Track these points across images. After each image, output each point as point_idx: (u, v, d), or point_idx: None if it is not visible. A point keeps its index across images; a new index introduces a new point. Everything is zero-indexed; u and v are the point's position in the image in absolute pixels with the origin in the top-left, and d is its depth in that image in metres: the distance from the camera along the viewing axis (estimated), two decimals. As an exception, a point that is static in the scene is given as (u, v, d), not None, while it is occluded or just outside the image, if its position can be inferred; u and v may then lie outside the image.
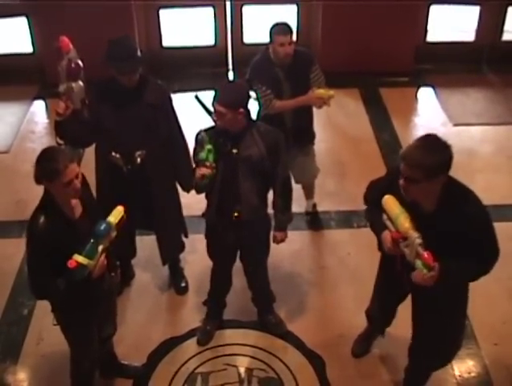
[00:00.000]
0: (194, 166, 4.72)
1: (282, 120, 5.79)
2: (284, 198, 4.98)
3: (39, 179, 3.96)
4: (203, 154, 4.49)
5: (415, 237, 3.69)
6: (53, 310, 4.40)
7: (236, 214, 4.79)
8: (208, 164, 4.48)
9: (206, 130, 4.65)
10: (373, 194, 4.15)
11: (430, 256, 3.66)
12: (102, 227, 4.01)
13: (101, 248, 4.02)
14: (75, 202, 4.10)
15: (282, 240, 5.15)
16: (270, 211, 5.04)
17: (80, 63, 4.87)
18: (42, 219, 3.98)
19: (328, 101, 5.78)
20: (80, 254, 3.91)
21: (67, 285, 3.99)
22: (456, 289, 4.16)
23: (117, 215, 4.12)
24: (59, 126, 4.88)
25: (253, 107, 5.76)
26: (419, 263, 3.72)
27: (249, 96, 4.62)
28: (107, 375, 5.13)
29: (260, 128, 4.72)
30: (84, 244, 3.95)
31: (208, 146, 4.48)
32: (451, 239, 3.74)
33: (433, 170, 3.67)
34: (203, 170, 4.48)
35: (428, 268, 3.68)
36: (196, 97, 5.04)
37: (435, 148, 3.69)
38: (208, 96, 4.71)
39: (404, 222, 3.72)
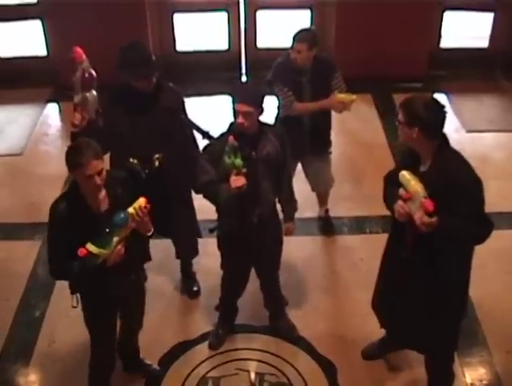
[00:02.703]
0: (201, 186, 4.75)
1: (300, 122, 5.81)
2: (289, 188, 5.09)
3: (67, 167, 4.06)
4: (239, 161, 4.43)
5: (421, 192, 3.93)
6: (72, 293, 4.41)
7: (256, 219, 4.81)
8: (244, 171, 4.45)
9: (234, 137, 4.55)
10: (391, 173, 4.40)
11: (429, 204, 3.87)
12: (120, 217, 4.01)
13: (116, 238, 4.03)
14: (102, 195, 4.15)
15: (293, 230, 5.24)
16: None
17: (93, 72, 4.88)
18: (62, 205, 4.10)
19: (349, 106, 5.81)
20: (93, 243, 3.94)
21: (80, 270, 4.04)
22: (453, 263, 4.26)
23: (137, 206, 4.10)
24: (75, 138, 4.88)
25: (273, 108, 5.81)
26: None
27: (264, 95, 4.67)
28: (127, 370, 5.19)
29: (270, 128, 4.79)
30: (99, 234, 3.99)
31: (240, 153, 4.44)
32: (441, 199, 3.91)
33: (411, 117, 4.05)
34: (242, 180, 4.45)
35: (428, 213, 3.88)
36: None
37: (428, 103, 4.09)
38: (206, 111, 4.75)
39: (415, 185, 3.97)
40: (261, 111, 4.61)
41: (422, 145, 4.13)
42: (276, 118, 5.94)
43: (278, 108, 5.91)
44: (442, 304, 4.38)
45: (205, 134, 4.91)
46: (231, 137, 4.49)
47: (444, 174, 4.03)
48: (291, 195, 5.12)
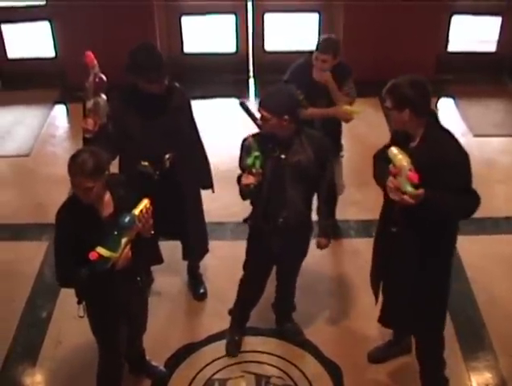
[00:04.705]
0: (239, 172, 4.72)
1: (312, 125, 5.81)
2: (329, 204, 5.02)
3: None
4: (249, 161, 4.43)
5: (407, 166, 3.96)
6: (79, 302, 4.41)
7: (281, 220, 4.78)
8: (254, 171, 4.42)
9: (254, 136, 4.63)
10: (381, 151, 4.43)
11: (414, 175, 3.92)
12: (126, 219, 4.00)
13: (124, 240, 4.03)
14: (107, 199, 4.17)
15: (326, 246, 5.16)
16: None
17: (103, 76, 4.88)
18: (68, 210, 4.11)
19: (352, 116, 5.89)
20: (102, 246, 3.94)
21: (89, 275, 4.03)
22: (441, 240, 4.33)
23: (142, 207, 4.09)
24: (88, 143, 4.87)
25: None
26: (407, 185, 3.97)
27: (296, 103, 4.63)
28: (133, 372, 5.19)
29: (307, 133, 4.71)
30: (107, 237, 3.98)
31: (256, 153, 4.43)
32: (429, 173, 3.97)
33: (399, 100, 4.12)
34: (250, 179, 4.43)
35: (413, 185, 3.94)
36: (242, 104, 5.01)
37: (412, 83, 4.13)
38: (252, 103, 4.72)
39: (402, 159, 4.01)
40: (286, 120, 4.49)
41: (414, 125, 4.18)
42: None
43: None
44: (428, 280, 4.41)
45: (256, 120, 4.88)
46: (250, 137, 4.51)
47: (433, 148, 4.10)
48: (327, 211, 5.03)
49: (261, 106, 4.54)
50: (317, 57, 5.66)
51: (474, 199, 4.19)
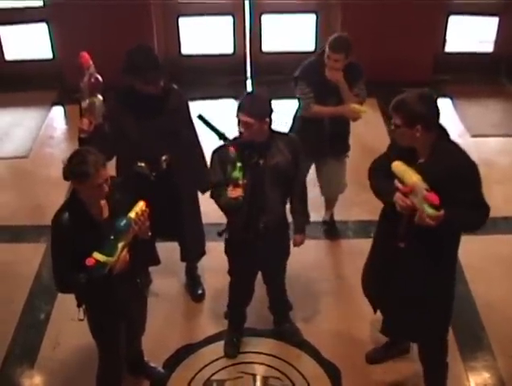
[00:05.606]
0: (211, 185, 4.74)
1: (321, 124, 5.83)
2: (302, 201, 5.04)
3: (67, 178, 4.00)
4: (236, 173, 4.41)
5: (422, 185, 3.88)
6: (78, 305, 4.40)
7: (262, 225, 4.78)
8: (241, 183, 4.42)
9: (229, 146, 4.55)
10: (380, 163, 4.39)
11: (434, 196, 3.82)
12: (123, 223, 3.99)
13: (121, 244, 4.02)
14: (103, 203, 4.15)
15: (302, 243, 5.19)
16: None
17: (99, 77, 4.89)
18: (65, 216, 4.06)
19: (359, 115, 5.89)
20: (99, 251, 3.92)
21: (88, 280, 4.01)
22: (443, 254, 4.30)
23: (138, 210, 4.08)
24: (83, 143, 4.88)
25: (292, 107, 5.95)
26: (426, 206, 3.87)
27: (272, 107, 4.63)
28: (132, 373, 5.17)
29: (281, 136, 4.77)
30: (104, 241, 3.97)
31: (239, 164, 4.41)
32: (441, 188, 3.88)
33: (410, 117, 3.99)
34: (238, 192, 4.42)
35: (434, 206, 3.84)
36: (200, 117, 4.99)
37: (421, 98, 4.01)
38: (211, 114, 4.72)
39: (412, 175, 3.93)
40: (266, 122, 4.55)
41: (423, 141, 4.06)
42: (294, 117, 6.03)
43: (299, 106, 5.96)
44: (436, 292, 4.40)
45: (221, 136, 4.91)
46: (231, 149, 4.49)
47: (444, 163, 4.02)
48: (303, 208, 5.07)
49: (244, 113, 4.51)
50: (329, 56, 5.63)
51: (485, 211, 4.15)
